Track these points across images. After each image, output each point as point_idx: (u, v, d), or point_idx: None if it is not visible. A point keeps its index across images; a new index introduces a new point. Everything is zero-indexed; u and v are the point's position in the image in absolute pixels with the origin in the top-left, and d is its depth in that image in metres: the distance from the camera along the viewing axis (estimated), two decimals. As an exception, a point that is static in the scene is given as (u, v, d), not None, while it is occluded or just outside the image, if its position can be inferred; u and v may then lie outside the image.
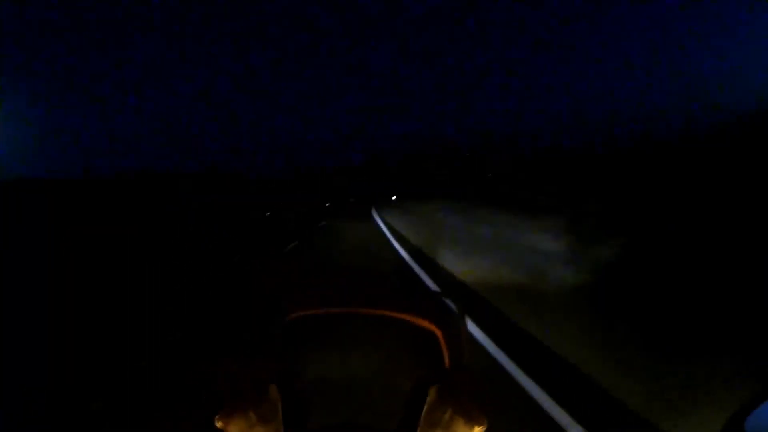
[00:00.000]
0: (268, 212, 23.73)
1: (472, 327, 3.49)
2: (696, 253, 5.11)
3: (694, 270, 4.47)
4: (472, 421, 0.67)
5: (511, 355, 2.88)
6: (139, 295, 6.35)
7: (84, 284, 8.01)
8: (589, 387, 2.38)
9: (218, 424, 0.70)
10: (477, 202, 18.85)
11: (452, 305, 1.18)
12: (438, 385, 0.81)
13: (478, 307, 4.08)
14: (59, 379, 2.96)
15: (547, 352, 2.92)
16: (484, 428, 0.69)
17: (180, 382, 2.82)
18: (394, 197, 38.41)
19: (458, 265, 6.25)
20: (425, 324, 0.96)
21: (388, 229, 12.64)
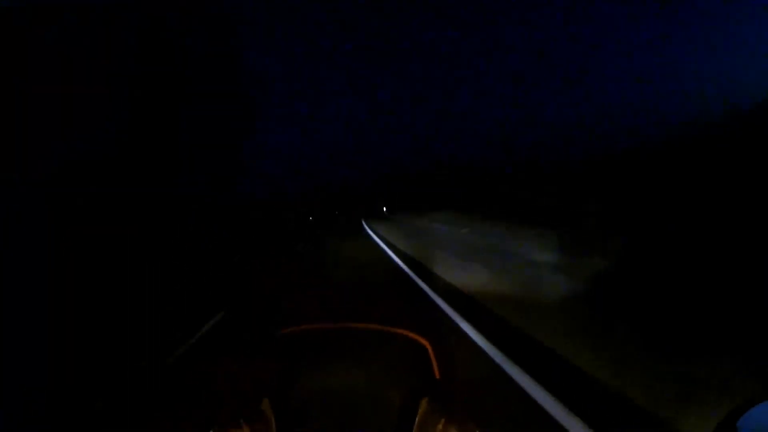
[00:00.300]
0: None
1: (471, 331, 3.48)
2: (696, 252, 5.11)
3: (695, 269, 4.47)
4: (464, 431, 0.66)
5: (509, 354, 2.87)
6: (139, 294, 6.35)
7: (84, 283, 7.99)
8: (588, 385, 2.38)
9: None
10: (476, 211, 18.50)
11: (443, 317, 1.22)
12: (429, 395, 0.82)
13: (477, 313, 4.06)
14: (59, 379, 2.97)
15: (545, 352, 2.91)
16: None
17: (180, 382, 2.81)
18: (384, 208, 35.52)
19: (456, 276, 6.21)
20: (415, 337, 0.98)
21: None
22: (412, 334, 1.02)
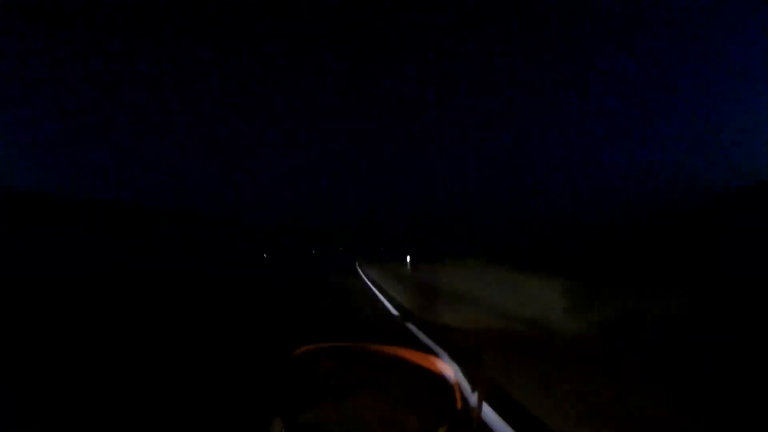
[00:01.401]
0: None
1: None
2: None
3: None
4: None
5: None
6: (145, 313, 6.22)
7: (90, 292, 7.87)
8: None
9: None
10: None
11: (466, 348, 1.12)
12: (447, 425, 0.78)
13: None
14: (59, 379, 2.90)
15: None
16: None
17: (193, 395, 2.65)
18: (408, 258, 20.48)
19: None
20: (438, 364, 0.92)
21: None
22: (433, 360, 0.94)
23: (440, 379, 0.88)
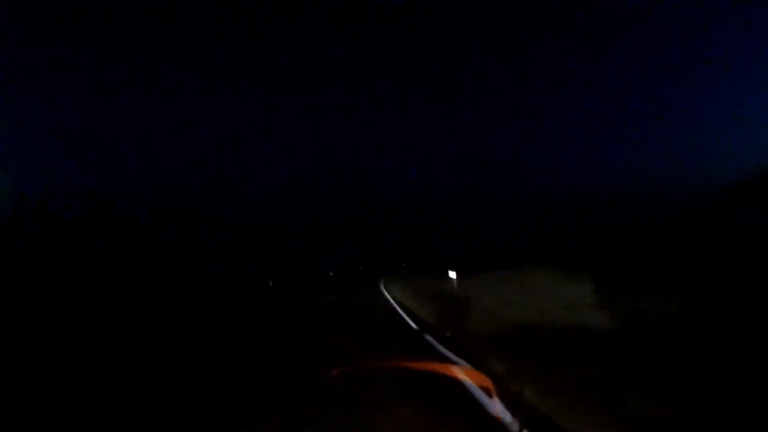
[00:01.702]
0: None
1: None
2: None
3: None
4: None
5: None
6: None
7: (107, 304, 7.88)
8: None
9: None
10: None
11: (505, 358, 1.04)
12: None
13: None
14: (59, 379, 2.89)
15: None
16: None
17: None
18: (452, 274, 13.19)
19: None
20: (476, 376, 0.85)
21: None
22: (471, 372, 0.91)
23: (478, 394, 0.85)
